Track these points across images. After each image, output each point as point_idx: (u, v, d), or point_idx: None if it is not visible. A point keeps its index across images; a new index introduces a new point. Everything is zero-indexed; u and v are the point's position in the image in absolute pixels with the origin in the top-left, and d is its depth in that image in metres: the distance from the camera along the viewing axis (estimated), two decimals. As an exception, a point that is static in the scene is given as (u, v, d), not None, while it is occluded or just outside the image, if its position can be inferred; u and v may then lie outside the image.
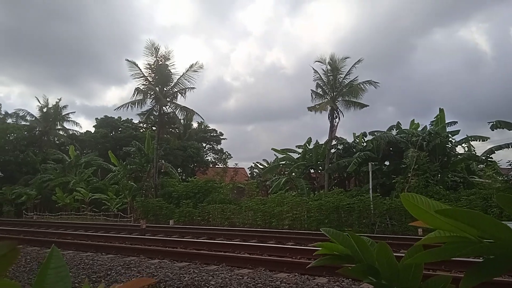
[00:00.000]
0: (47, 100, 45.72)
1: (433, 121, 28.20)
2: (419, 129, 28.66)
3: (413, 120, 30.62)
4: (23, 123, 46.78)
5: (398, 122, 29.83)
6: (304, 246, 11.97)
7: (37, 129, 46.01)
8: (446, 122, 27.28)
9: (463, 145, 27.65)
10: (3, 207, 37.96)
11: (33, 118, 45.87)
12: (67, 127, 47.22)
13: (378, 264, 1.24)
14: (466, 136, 26.99)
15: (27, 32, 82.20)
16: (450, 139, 25.80)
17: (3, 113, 49.06)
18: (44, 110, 45.32)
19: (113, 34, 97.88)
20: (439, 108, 27.98)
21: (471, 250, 1.03)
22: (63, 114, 46.37)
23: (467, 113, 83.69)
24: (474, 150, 27.89)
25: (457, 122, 27.39)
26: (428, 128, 27.30)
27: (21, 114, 46.90)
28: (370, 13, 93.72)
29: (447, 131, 26.59)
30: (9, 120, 47.66)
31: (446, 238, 1.09)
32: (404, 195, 1.08)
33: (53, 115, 45.66)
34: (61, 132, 47.44)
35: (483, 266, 1.12)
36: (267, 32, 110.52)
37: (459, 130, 27.27)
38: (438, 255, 1.08)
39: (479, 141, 26.24)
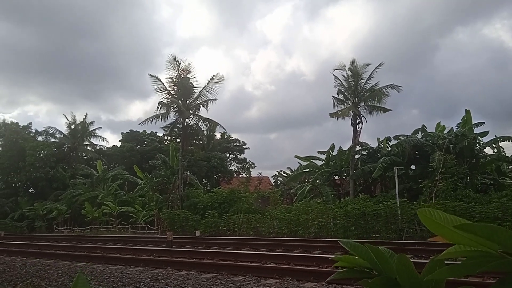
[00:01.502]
0: (75, 117, 47.07)
1: (459, 123, 27.59)
2: (445, 131, 28.06)
3: (439, 122, 30.05)
4: (52, 140, 48.27)
5: (423, 125, 29.35)
6: (331, 254, 11.84)
7: (66, 145, 47.32)
8: (473, 123, 26.64)
9: (492, 145, 26.90)
10: (35, 222, 39.06)
11: (62, 135, 47.24)
12: (95, 143, 48.45)
13: (398, 276, 1.23)
14: (494, 137, 26.26)
15: (53, 52, 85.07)
16: (478, 140, 25.15)
17: (34, 131, 50.77)
18: (72, 127, 46.61)
19: (136, 49, 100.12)
20: (465, 109, 27.40)
21: (493, 265, 1.02)
22: (90, 130, 47.57)
23: (495, 113, 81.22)
24: (503, 151, 27.07)
25: (484, 123, 26.73)
26: (454, 130, 26.70)
27: (50, 132, 48.49)
28: (389, 15, 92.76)
29: (474, 132, 25.94)
30: (39, 138, 49.28)
31: (467, 252, 1.08)
32: (421, 210, 1.08)
33: (81, 132, 46.90)
34: (88, 148, 48.64)
35: (509, 280, 1.10)
36: (286, 39, 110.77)
37: (488, 131, 26.56)
38: (459, 271, 1.07)
39: (509, 141, 25.47)
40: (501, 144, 26.70)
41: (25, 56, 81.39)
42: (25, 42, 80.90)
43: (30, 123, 52.23)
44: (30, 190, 47.04)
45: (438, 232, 1.07)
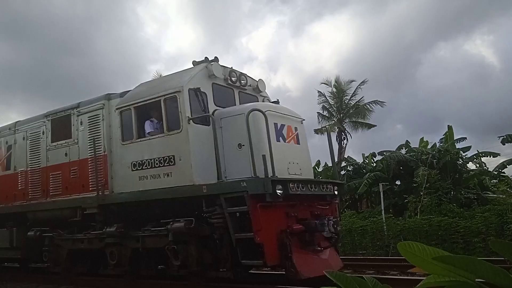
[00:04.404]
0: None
1: (442, 138, 28.09)
2: (429, 146, 28.51)
3: (422, 138, 30.54)
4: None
5: (407, 140, 29.76)
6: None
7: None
8: (455, 138, 27.13)
9: (474, 160, 27.34)
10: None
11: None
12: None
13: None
14: (476, 152, 26.75)
15: (36, 68, 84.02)
16: (460, 155, 25.56)
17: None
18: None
19: (121, 65, 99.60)
20: (448, 125, 27.94)
21: (470, 296, 1.04)
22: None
23: (477, 127, 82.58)
24: (486, 166, 27.55)
25: (466, 138, 27.16)
26: (437, 146, 27.13)
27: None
28: (372, 31, 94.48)
29: (457, 147, 26.39)
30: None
31: (446, 282, 1.10)
32: (401, 244, 1.10)
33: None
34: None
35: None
36: (271, 56, 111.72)
37: (470, 146, 27.02)
38: (438, 302, 1.09)
39: (490, 156, 25.96)
40: (483, 159, 27.18)
41: (5, 73, 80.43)
42: (5, 58, 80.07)
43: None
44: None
45: (417, 264, 1.10)
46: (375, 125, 28.72)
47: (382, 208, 20.52)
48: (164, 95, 8.93)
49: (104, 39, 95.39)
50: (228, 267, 7.87)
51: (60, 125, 11.37)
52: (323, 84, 29.18)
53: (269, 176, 7.48)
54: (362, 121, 28.17)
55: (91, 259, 10.95)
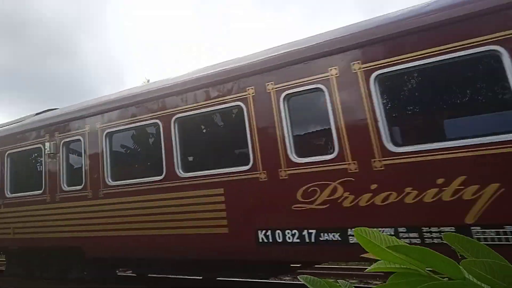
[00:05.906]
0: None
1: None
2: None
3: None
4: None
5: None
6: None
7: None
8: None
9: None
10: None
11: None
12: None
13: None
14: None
15: (24, 70, 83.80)
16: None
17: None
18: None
19: (108, 69, 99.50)
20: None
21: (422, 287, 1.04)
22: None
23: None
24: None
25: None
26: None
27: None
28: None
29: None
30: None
31: (396, 268, 1.10)
32: (357, 229, 1.10)
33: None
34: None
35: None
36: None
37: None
38: (389, 291, 1.09)
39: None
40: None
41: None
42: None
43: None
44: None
45: (371, 250, 1.10)
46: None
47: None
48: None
49: (91, 42, 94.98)
50: None
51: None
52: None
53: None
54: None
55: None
